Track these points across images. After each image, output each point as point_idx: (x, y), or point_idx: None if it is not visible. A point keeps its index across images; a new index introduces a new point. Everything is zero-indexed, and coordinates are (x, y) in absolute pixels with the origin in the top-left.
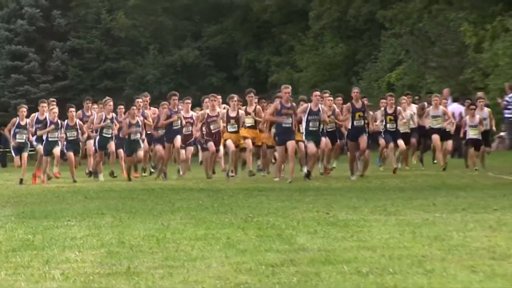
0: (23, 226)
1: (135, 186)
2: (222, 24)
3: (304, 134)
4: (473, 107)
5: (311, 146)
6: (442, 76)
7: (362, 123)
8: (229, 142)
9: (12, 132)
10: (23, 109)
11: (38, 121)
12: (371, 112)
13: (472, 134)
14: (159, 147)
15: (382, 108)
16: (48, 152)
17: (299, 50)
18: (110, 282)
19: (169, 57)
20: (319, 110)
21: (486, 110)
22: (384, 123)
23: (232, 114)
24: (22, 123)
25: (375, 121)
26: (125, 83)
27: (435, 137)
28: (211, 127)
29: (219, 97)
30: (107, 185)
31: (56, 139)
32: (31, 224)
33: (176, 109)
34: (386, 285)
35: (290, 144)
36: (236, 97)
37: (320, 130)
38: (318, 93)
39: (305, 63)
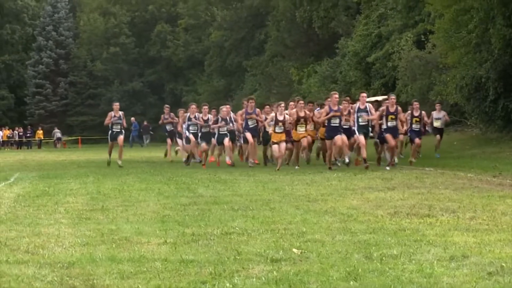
0: (42, 182)
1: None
2: (155, 68)
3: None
4: None
5: (362, 138)
6: (278, 99)
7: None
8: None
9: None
10: (117, 105)
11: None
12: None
13: None
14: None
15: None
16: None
17: (199, 82)
18: (92, 214)
19: (125, 86)
20: (366, 108)
21: None
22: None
23: (280, 117)
24: (117, 115)
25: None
26: (101, 101)
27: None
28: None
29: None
30: (91, 159)
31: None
32: (47, 181)
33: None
34: (248, 216)
35: (337, 138)
36: (282, 103)
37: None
38: (364, 94)
39: (203, 90)
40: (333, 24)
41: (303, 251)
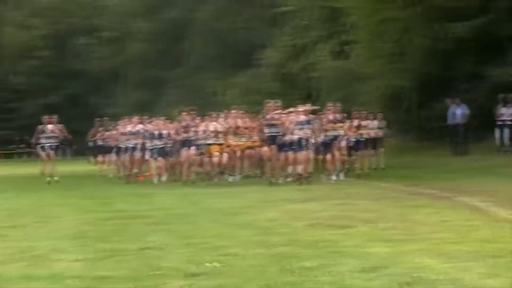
0: None
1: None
2: (76, 81)
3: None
4: None
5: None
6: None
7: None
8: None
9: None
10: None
11: None
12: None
13: None
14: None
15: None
16: None
17: (119, 95)
18: (9, 231)
19: (45, 100)
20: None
21: None
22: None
23: (219, 128)
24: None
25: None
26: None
27: None
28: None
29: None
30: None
31: None
32: None
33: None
34: (165, 230)
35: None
36: (222, 114)
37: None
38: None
39: (123, 102)
40: (253, 36)
41: (220, 265)
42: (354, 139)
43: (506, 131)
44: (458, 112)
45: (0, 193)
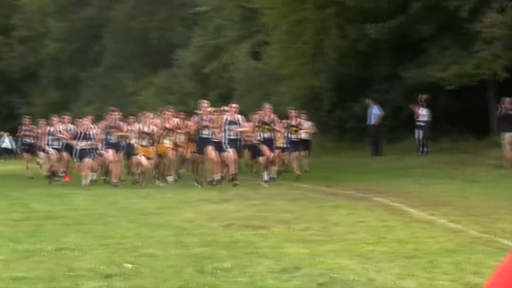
0: None
1: None
2: None
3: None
4: None
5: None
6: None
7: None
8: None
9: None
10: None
11: None
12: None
13: None
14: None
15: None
16: None
17: (34, 94)
18: None
19: None
20: (237, 120)
21: None
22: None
23: (146, 129)
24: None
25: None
26: None
27: None
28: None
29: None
30: None
31: None
32: None
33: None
34: (81, 231)
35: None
36: (150, 114)
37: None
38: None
39: (38, 102)
40: (169, 36)
41: (136, 266)
42: (292, 139)
43: (424, 132)
44: (372, 112)
45: None
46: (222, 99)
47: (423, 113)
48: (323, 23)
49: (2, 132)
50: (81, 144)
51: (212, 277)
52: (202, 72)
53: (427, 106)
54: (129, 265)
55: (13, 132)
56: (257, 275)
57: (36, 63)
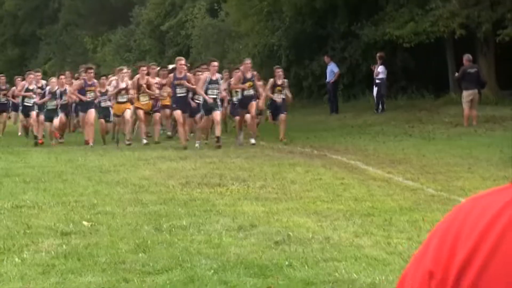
0: None
1: None
2: None
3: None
4: None
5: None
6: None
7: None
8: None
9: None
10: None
11: None
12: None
13: None
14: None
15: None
16: None
17: None
18: None
19: None
20: (217, 79)
21: None
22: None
23: (122, 85)
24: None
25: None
26: None
27: None
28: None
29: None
30: None
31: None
32: None
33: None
34: (39, 189)
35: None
36: (124, 69)
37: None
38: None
39: None
40: None
41: (93, 223)
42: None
43: (380, 89)
44: (329, 70)
45: None
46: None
47: (379, 71)
48: None
49: None
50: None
51: (169, 235)
52: (160, 29)
53: (383, 63)
54: (87, 223)
55: None
56: (214, 232)
57: None
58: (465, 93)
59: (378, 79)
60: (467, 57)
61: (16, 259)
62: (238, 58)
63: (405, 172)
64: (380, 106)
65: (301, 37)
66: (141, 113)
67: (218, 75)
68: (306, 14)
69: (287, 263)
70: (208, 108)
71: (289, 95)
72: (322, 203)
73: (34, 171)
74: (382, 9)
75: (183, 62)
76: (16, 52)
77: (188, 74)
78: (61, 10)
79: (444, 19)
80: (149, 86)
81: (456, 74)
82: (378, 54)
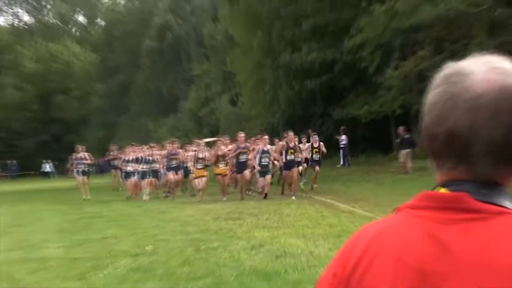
0: None
1: None
2: None
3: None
4: None
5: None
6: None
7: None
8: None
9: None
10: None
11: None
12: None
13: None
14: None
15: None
16: None
17: None
18: None
19: None
20: (268, 150)
21: None
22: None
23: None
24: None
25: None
26: None
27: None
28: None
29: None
30: None
31: None
32: None
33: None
34: (118, 224)
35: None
36: (201, 142)
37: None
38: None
39: None
40: (175, 91)
41: (154, 247)
42: (314, 159)
43: (344, 151)
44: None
45: (3, 202)
46: (211, 133)
47: (342, 138)
48: (277, 80)
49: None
50: (143, 167)
51: (205, 254)
52: (198, 115)
53: (345, 133)
54: (149, 247)
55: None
56: (235, 251)
57: (87, 113)
58: (402, 152)
59: (342, 144)
60: (402, 128)
61: (104, 272)
62: (252, 133)
63: (364, 206)
64: (347, 163)
65: (292, 118)
66: (219, 178)
67: (269, 146)
68: (296, 102)
69: (284, 270)
70: (263, 171)
71: (323, 149)
72: (308, 229)
73: (114, 213)
74: (346, 97)
75: (242, 135)
76: (102, 134)
77: (247, 144)
78: (130, 104)
79: (388, 103)
80: (223, 155)
81: (397, 140)
82: (341, 128)
